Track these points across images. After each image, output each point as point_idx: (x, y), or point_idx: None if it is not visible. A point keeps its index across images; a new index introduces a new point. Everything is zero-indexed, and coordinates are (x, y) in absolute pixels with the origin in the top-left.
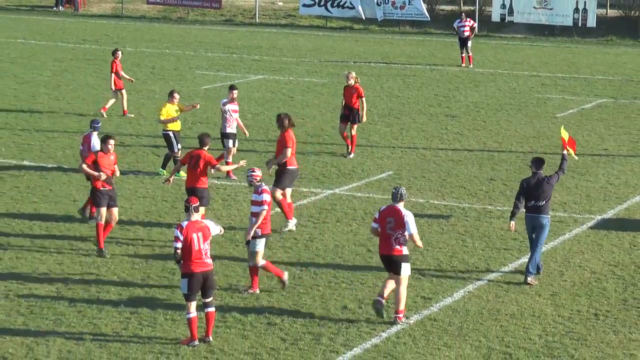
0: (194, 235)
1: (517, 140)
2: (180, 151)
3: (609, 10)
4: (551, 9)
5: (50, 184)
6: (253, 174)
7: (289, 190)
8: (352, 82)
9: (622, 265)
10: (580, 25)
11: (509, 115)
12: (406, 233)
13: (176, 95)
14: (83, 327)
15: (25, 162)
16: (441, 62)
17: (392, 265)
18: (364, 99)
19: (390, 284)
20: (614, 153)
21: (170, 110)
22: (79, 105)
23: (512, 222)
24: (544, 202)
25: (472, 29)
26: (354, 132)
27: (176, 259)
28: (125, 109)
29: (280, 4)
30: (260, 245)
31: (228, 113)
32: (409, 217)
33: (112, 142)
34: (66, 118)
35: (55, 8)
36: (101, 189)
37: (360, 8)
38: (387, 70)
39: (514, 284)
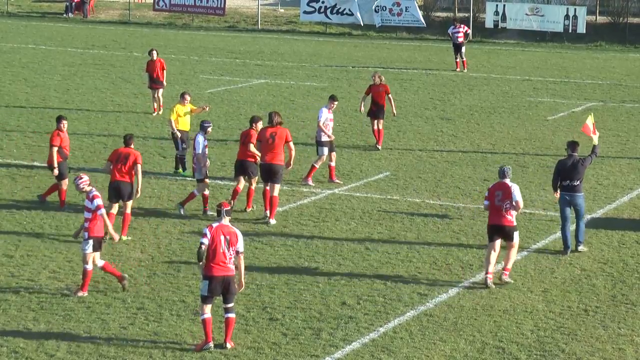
0: (222, 238)
1: (510, 142)
2: (186, 150)
3: (598, 17)
4: (542, 15)
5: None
6: (80, 181)
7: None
8: (378, 81)
9: (611, 263)
10: (570, 31)
11: (502, 118)
12: (513, 201)
13: (187, 97)
14: (91, 322)
15: (36, 163)
16: (437, 66)
17: (504, 234)
18: (390, 95)
19: (493, 258)
20: (603, 154)
21: (180, 111)
22: (88, 108)
23: (556, 193)
24: (578, 182)
25: (465, 35)
26: (381, 127)
27: (199, 256)
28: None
29: (282, 10)
30: (89, 247)
31: (326, 122)
32: (514, 187)
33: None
34: (75, 121)
35: (65, 15)
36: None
37: (358, 15)
38: (385, 75)
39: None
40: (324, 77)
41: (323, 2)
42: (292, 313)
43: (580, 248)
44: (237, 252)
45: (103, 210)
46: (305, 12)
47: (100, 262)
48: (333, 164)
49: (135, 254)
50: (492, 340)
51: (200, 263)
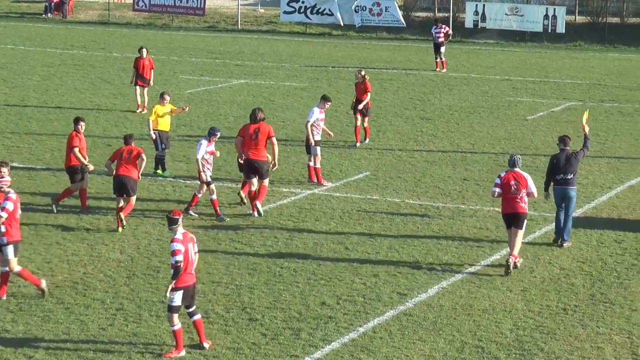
0: (190, 246)
1: (489, 142)
2: (165, 151)
3: (577, 17)
4: (522, 15)
5: (38, 185)
6: (2, 180)
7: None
8: (360, 78)
9: (590, 262)
10: (550, 31)
11: (482, 117)
12: (529, 190)
13: (166, 97)
14: (70, 323)
15: (15, 164)
16: (416, 66)
17: (517, 220)
18: (369, 93)
19: (512, 239)
20: None
21: (159, 111)
22: (67, 109)
23: (546, 193)
24: (572, 175)
25: (446, 35)
26: (366, 124)
27: (177, 273)
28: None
29: (262, 10)
30: (11, 252)
31: (317, 122)
32: (529, 177)
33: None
34: (55, 122)
35: (44, 15)
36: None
37: (338, 15)
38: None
39: (486, 280)
40: (304, 77)
41: (303, 2)
42: (271, 313)
43: (566, 244)
44: (195, 253)
45: (5, 215)
46: (285, 12)
47: (18, 268)
48: (312, 164)
49: (114, 255)
50: (471, 339)
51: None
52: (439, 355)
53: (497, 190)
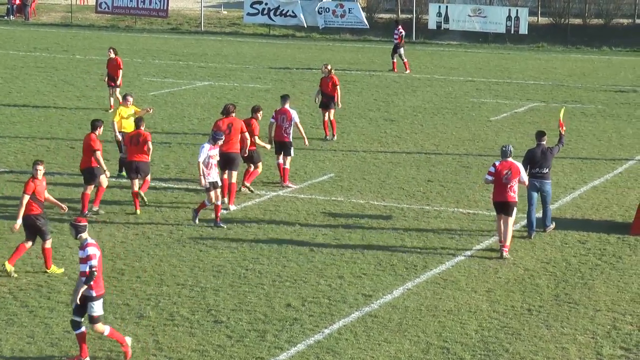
0: (99, 253)
1: (453, 143)
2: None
3: (540, 18)
4: (485, 17)
5: (2, 188)
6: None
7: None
8: (326, 71)
9: (554, 262)
10: (512, 32)
11: (445, 119)
12: (521, 180)
13: (129, 99)
14: (35, 326)
15: None
16: (380, 68)
17: (506, 208)
18: (338, 87)
19: (503, 230)
20: None
21: (123, 113)
22: (30, 111)
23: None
24: (547, 169)
25: (401, 36)
26: (332, 117)
27: (91, 278)
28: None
29: (225, 12)
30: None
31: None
32: (521, 167)
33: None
34: (18, 124)
35: (6, 17)
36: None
37: (302, 16)
38: None
39: (451, 281)
40: (267, 78)
41: (266, 4)
42: (236, 315)
43: (550, 227)
44: None
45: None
46: (248, 14)
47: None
48: (282, 162)
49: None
50: (436, 340)
51: (87, 286)
52: (404, 356)
53: (490, 178)
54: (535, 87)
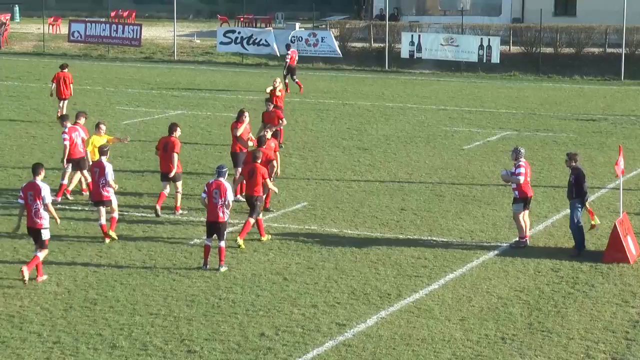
0: None
1: (427, 172)
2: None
3: (512, 47)
4: (457, 45)
5: None
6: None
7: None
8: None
9: (527, 291)
10: (485, 61)
11: (418, 147)
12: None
13: (102, 127)
14: (6, 357)
15: None
16: (353, 96)
17: (529, 202)
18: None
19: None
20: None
21: (96, 142)
22: (2, 140)
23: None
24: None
25: (293, 58)
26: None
27: None
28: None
29: (198, 41)
30: None
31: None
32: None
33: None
34: None
35: None
36: None
37: (275, 46)
38: (301, 105)
39: (425, 309)
40: (241, 107)
41: (239, 33)
42: (210, 345)
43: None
44: None
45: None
46: (221, 43)
47: None
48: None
49: (51, 288)
50: None
51: None
52: None
53: (523, 178)
54: (508, 115)
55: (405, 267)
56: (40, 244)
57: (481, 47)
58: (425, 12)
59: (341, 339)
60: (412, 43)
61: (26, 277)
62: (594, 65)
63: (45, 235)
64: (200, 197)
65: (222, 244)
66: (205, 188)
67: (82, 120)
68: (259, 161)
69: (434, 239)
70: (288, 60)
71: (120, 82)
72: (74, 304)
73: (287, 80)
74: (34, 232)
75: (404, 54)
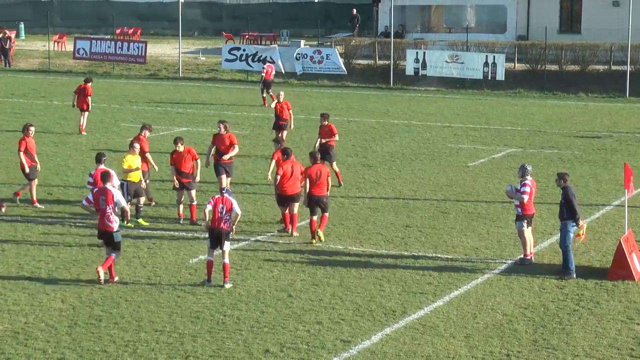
0: None
1: (431, 189)
2: (129, 203)
3: (516, 65)
4: (462, 63)
5: None
6: None
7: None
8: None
9: (532, 308)
10: (490, 78)
11: (423, 164)
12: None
13: (136, 146)
14: None
15: None
16: (358, 114)
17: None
18: (291, 111)
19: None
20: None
21: (131, 161)
22: (7, 157)
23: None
24: None
25: (269, 72)
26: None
27: None
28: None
29: (203, 58)
30: None
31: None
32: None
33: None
34: None
35: None
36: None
37: (280, 62)
38: (306, 122)
39: (430, 326)
40: (245, 124)
41: (244, 50)
42: None
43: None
44: None
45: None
46: (226, 60)
47: None
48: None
49: (56, 304)
50: None
51: None
52: None
53: (527, 197)
54: (513, 132)
55: (410, 284)
56: (113, 245)
57: (486, 64)
58: (430, 30)
59: (346, 355)
60: (417, 60)
61: (102, 277)
62: (598, 83)
63: (117, 237)
64: (204, 206)
65: (226, 260)
66: (211, 201)
67: (145, 133)
68: (319, 162)
69: (439, 255)
70: (264, 75)
71: (125, 99)
72: (78, 321)
73: (264, 95)
74: (106, 235)
75: (409, 71)
